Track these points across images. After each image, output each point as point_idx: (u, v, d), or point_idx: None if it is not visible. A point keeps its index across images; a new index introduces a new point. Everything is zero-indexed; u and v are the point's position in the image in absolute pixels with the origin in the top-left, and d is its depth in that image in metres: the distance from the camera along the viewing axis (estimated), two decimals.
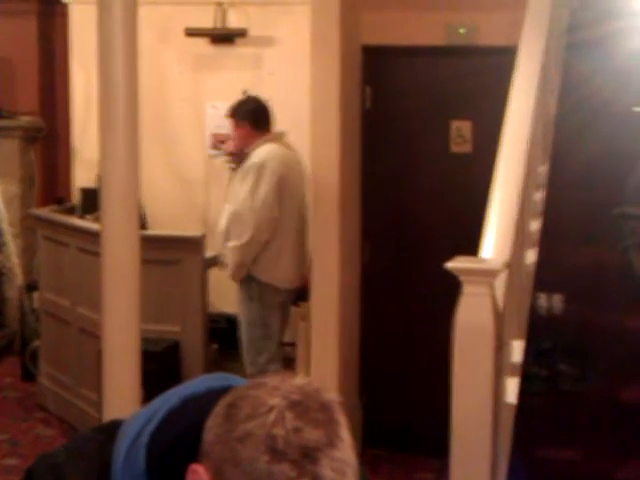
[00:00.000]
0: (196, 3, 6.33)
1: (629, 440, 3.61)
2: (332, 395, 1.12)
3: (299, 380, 1.11)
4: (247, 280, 5.06)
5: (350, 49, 5.10)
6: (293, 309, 5.39)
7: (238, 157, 5.18)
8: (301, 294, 5.20)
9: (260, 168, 4.95)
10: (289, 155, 5.16)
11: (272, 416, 1.06)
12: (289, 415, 1.06)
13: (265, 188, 4.92)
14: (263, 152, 5.02)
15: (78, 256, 5.56)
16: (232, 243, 4.98)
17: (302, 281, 5.15)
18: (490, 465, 2.78)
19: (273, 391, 1.09)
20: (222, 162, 5.53)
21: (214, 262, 5.45)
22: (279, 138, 5.20)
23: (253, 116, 5.17)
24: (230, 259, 5.01)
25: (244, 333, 5.13)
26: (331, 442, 1.07)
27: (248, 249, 4.94)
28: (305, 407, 1.07)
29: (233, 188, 5.09)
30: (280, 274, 5.05)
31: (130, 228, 3.69)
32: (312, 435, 1.06)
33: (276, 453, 1.04)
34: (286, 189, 5.02)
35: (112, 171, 3.66)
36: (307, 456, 1.05)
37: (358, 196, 5.35)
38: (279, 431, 1.05)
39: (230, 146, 5.28)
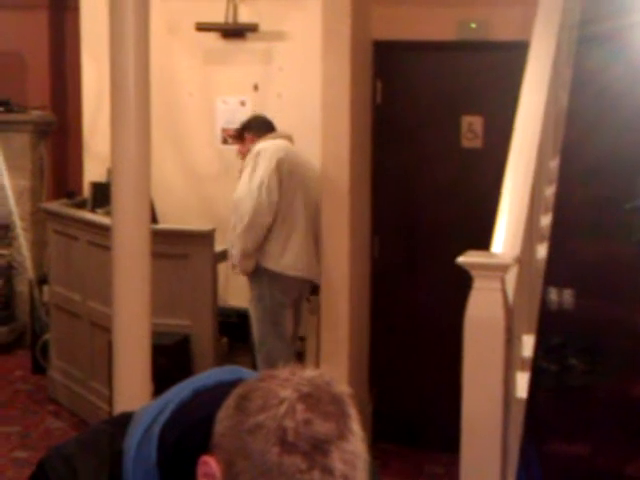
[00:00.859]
0: None
1: (639, 435, 3.60)
2: (343, 387, 1.12)
3: (310, 372, 1.11)
4: (257, 275, 5.04)
5: (361, 44, 5.09)
6: (303, 303, 5.39)
7: None
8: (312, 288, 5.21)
9: (256, 155, 4.96)
10: (293, 148, 5.15)
11: (283, 408, 1.06)
12: (300, 407, 1.06)
13: (261, 172, 4.91)
14: (264, 143, 5.05)
15: (89, 250, 5.57)
16: (236, 232, 4.98)
17: (316, 275, 5.13)
18: (500, 459, 2.78)
19: (284, 383, 1.09)
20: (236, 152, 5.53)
21: (224, 256, 5.46)
22: (284, 137, 5.18)
23: (254, 124, 5.23)
24: (235, 250, 5.00)
25: (256, 331, 5.11)
26: (342, 434, 1.07)
27: (249, 234, 4.90)
28: (316, 399, 1.07)
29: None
30: (289, 261, 5.00)
31: (141, 222, 3.70)
32: (323, 427, 1.06)
33: (286, 445, 1.04)
34: (289, 174, 4.97)
35: (123, 165, 3.67)
36: (317, 448, 1.05)
37: (368, 191, 5.35)
38: (290, 423, 1.05)
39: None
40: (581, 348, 3.92)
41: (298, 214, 5.04)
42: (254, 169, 4.93)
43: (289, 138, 5.20)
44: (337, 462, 1.05)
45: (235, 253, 5.00)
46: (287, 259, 5.00)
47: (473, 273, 2.77)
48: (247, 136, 5.20)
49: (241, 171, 5.16)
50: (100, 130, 6.24)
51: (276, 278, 5.01)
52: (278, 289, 5.03)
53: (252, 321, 5.13)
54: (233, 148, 5.78)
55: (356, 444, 1.08)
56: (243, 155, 5.21)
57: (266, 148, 4.99)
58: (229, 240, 5.13)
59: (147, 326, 3.70)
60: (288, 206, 4.99)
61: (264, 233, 4.94)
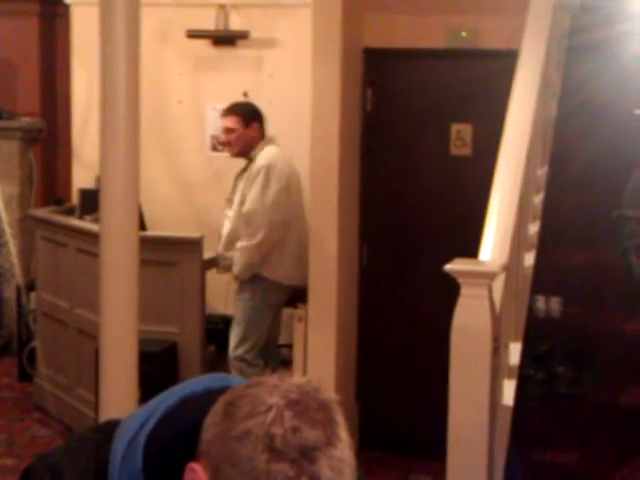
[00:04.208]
0: (198, 5, 6.34)
1: (627, 443, 3.61)
2: (331, 394, 1.12)
3: (298, 379, 1.12)
4: (252, 277, 5.11)
5: (351, 51, 5.10)
6: (290, 310, 5.40)
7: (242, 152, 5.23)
8: (298, 295, 5.23)
9: (269, 170, 5.04)
10: (288, 157, 5.25)
11: (271, 415, 1.06)
12: (288, 414, 1.06)
13: (275, 189, 5.02)
14: (269, 154, 5.13)
15: (77, 257, 5.55)
16: (242, 244, 5.05)
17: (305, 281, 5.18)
18: (486, 467, 2.79)
19: (272, 390, 1.09)
20: (225, 160, 5.54)
21: (212, 264, 5.46)
22: (274, 140, 5.28)
23: (260, 118, 5.26)
24: (239, 259, 5.07)
25: (239, 328, 5.16)
26: (329, 441, 1.07)
27: (259, 250, 5.03)
28: (304, 406, 1.07)
29: (237, 194, 5.13)
30: (285, 271, 5.15)
31: (129, 229, 3.69)
32: (310, 434, 1.06)
33: (274, 452, 1.04)
34: (292, 190, 5.14)
35: (112, 172, 3.66)
36: (305, 455, 1.05)
37: (357, 198, 5.35)
38: (278, 430, 1.05)
39: (232, 147, 5.29)
40: (568, 356, 3.92)
41: (295, 226, 5.18)
42: (267, 185, 5.01)
43: (275, 140, 5.28)
44: (325, 469, 1.05)
45: (238, 263, 5.03)
46: (284, 270, 5.14)
47: (460, 281, 2.78)
48: (254, 125, 5.18)
49: (238, 177, 5.17)
50: (89, 137, 6.23)
51: (270, 283, 5.08)
52: (272, 290, 5.11)
53: (236, 319, 5.17)
54: (223, 155, 5.79)
55: (344, 451, 1.08)
56: (229, 143, 5.19)
57: (275, 164, 5.06)
58: (221, 245, 5.18)
59: (134, 333, 3.69)
60: (289, 218, 5.12)
61: (272, 248, 5.01)
